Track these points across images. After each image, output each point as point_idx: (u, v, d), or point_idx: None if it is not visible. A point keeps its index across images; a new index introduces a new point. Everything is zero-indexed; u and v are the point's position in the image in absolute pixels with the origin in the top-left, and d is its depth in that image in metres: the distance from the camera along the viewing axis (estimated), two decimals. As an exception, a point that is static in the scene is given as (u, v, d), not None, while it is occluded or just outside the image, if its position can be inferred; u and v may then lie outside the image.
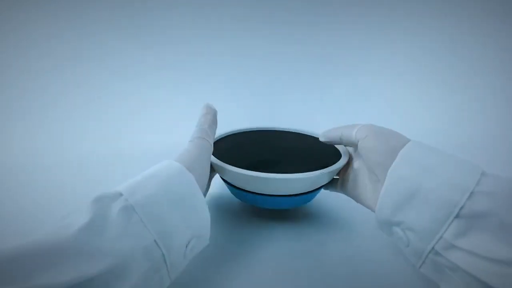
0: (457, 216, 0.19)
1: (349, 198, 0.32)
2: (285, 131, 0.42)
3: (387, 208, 0.23)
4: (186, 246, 0.22)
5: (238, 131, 0.40)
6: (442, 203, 0.20)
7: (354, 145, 0.28)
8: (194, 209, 0.23)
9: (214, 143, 0.31)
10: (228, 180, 0.31)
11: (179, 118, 0.58)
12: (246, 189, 0.30)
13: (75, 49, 0.56)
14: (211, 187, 0.34)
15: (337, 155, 0.34)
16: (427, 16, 0.59)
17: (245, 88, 0.62)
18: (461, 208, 0.19)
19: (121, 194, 0.20)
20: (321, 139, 0.31)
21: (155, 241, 0.20)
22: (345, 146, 0.32)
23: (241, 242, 0.31)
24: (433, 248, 0.20)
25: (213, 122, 0.30)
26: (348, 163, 0.32)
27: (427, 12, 0.58)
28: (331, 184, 0.33)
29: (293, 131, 0.41)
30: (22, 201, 0.38)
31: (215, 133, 0.31)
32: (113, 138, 0.55)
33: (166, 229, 0.21)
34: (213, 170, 0.31)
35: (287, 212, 0.36)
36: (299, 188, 0.30)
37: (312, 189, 0.31)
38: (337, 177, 0.33)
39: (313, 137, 0.39)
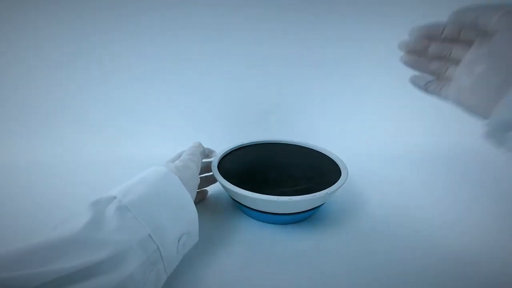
0: None
1: (346, 197, 0.33)
2: (285, 144, 0.43)
3: None
4: (178, 242, 0.24)
5: (237, 147, 0.41)
6: None
7: (485, 35, 0.23)
8: (182, 207, 0.25)
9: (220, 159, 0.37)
10: (233, 197, 0.34)
11: (178, 125, 0.59)
12: (249, 206, 0.32)
13: (78, 52, 0.56)
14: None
15: (337, 171, 0.35)
16: (429, 17, 0.58)
17: (244, 94, 0.62)
18: None
19: (114, 197, 0.23)
20: (454, 16, 0.24)
21: (149, 235, 0.22)
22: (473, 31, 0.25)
23: (238, 241, 0.31)
24: None
25: (202, 153, 0.34)
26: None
27: (427, 13, 0.58)
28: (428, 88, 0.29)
29: (293, 143, 0.43)
30: (23, 202, 0.38)
31: (200, 162, 0.33)
32: (113, 142, 0.55)
33: (158, 224, 0.23)
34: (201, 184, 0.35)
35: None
36: (299, 208, 0.31)
37: (312, 207, 0.32)
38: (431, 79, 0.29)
39: (312, 149, 0.41)
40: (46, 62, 0.55)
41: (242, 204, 0.33)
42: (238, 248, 0.30)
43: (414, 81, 0.30)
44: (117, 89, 0.58)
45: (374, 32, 0.59)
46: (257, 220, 0.35)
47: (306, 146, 0.42)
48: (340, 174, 0.34)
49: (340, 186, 0.32)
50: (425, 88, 0.29)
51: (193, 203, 0.26)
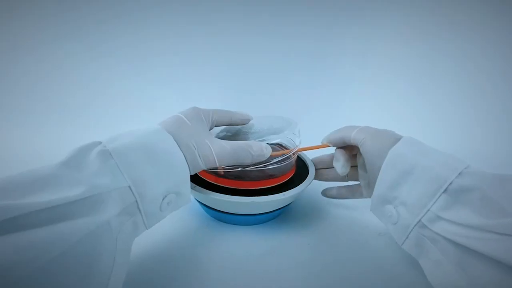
0: (445, 191, 0.22)
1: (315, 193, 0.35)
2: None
3: (385, 183, 0.26)
4: (163, 199, 0.24)
5: None
6: (434, 179, 0.22)
7: (356, 146, 0.30)
8: (171, 165, 0.24)
9: None
10: (197, 199, 0.33)
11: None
12: (211, 207, 0.32)
13: (75, 50, 0.56)
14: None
15: (305, 170, 0.35)
16: (425, 16, 0.58)
17: (237, 89, 0.62)
18: (450, 183, 0.22)
19: (100, 142, 0.22)
20: (324, 142, 0.33)
21: (129, 187, 0.22)
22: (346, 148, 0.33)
23: (197, 243, 0.31)
24: (419, 220, 0.23)
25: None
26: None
27: (424, 12, 0.58)
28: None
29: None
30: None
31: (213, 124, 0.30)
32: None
33: (139, 177, 0.22)
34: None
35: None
36: (259, 210, 0.31)
37: (274, 209, 0.32)
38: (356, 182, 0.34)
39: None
40: (47, 61, 0.56)
41: (205, 205, 0.33)
42: (195, 250, 0.30)
43: (325, 193, 0.36)
44: (116, 87, 0.59)
45: (372, 28, 0.58)
46: (219, 220, 0.35)
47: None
48: (308, 174, 0.34)
49: (305, 187, 0.32)
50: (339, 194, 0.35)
51: (186, 163, 0.25)
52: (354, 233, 0.34)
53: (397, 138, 0.27)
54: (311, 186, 0.33)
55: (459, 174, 0.22)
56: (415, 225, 0.23)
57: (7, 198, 0.16)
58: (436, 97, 0.62)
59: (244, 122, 0.32)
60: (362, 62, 0.61)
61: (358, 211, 0.38)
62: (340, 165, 0.31)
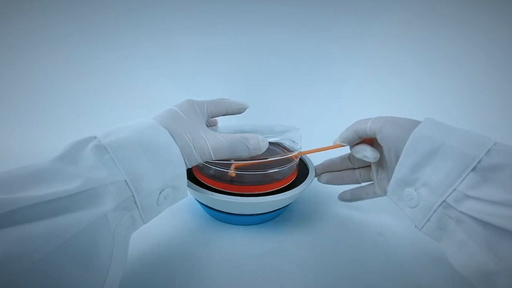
0: (473, 170, 0.21)
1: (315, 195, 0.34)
2: None
3: (407, 166, 0.24)
4: (160, 194, 0.24)
5: None
6: (461, 158, 0.21)
7: (372, 138, 0.29)
8: (167, 159, 0.24)
9: None
10: (197, 199, 0.33)
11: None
12: (211, 206, 0.32)
13: (75, 49, 0.57)
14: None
15: (305, 172, 0.35)
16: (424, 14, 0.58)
17: (237, 87, 0.62)
18: (479, 161, 0.21)
19: (95, 137, 0.22)
20: (337, 141, 0.31)
21: (125, 181, 0.21)
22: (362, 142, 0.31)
23: (199, 243, 0.31)
24: (444, 201, 0.22)
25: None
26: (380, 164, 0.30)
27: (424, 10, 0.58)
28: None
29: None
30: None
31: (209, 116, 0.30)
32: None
33: (136, 172, 0.22)
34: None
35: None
36: (259, 210, 0.31)
37: (274, 210, 0.32)
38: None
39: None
40: (48, 59, 0.56)
41: (204, 205, 0.33)
42: (195, 250, 0.30)
43: (341, 197, 0.35)
44: (116, 85, 0.59)
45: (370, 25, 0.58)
46: (219, 220, 0.35)
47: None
48: (308, 175, 0.34)
49: (305, 188, 0.32)
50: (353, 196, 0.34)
51: (182, 157, 0.25)
52: (354, 233, 0.34)
53: (416, 121, 0.26)
54: (312, 186, 0.33)
55: (488, 151, 0.21)
56: (439, 206, 0.22)
57: (2, 193, 0.16)
58: (435, 96, 0.62)
59: (241, 110, 0.32)
60: (362, 61, 0.61)
61: (358, 211, 0.38)
62: (369, 151, 0.29)
